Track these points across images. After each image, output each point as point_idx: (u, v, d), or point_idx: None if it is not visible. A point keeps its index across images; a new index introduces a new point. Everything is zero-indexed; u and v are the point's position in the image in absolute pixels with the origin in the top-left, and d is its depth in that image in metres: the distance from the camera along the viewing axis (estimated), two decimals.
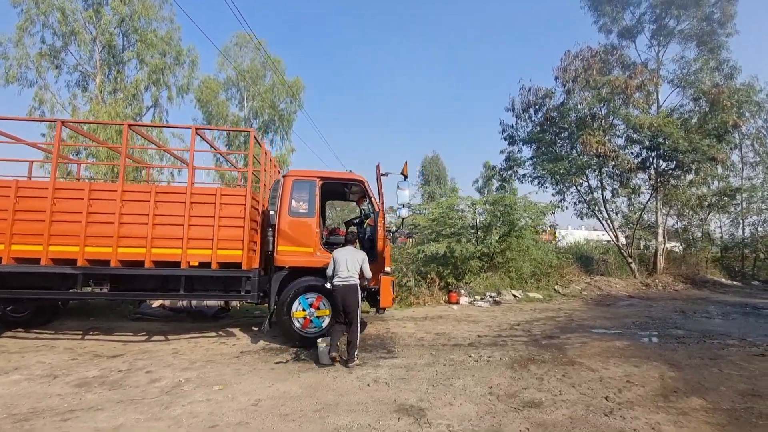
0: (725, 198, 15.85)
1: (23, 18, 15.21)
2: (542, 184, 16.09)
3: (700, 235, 18.09)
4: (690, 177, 14.82)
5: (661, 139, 12.62)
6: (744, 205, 17.63)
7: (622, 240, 15.82)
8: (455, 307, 9.82)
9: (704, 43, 14.22)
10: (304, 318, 5.94)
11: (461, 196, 12.36)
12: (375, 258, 6.05)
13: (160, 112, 18.34)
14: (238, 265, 5.86)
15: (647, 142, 13.40)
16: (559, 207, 15.49)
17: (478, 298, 10.68)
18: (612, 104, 13.44)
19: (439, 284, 11.67)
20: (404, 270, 12.13)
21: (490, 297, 10.71)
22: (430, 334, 6.97)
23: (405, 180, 6.10)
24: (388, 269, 6.38)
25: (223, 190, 6.11)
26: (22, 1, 15.11)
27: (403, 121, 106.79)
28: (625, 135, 13.95)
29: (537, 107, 16.24)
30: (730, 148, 14.75)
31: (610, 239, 16.51)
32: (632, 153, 14.36)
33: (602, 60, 14.73)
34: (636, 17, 15.68)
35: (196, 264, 5.84)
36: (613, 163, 13.52)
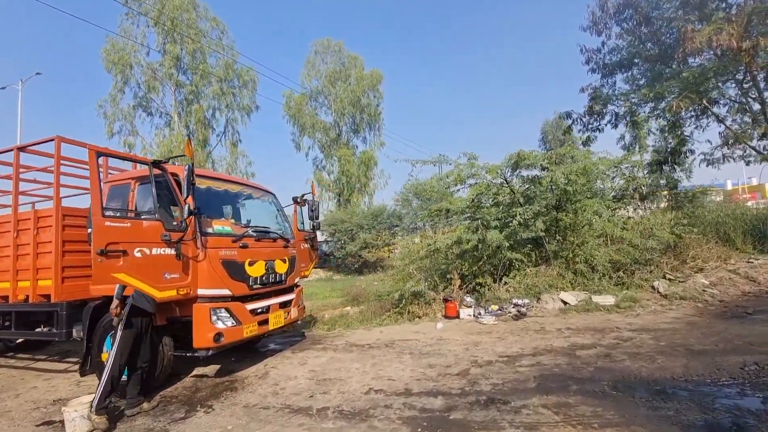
0: None
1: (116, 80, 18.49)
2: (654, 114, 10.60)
3: None
4: None
5: None
6: None
7: None
8: (440, 325, 6.85)
9: None
10: None
11: (477, 164, 8.84)
12: None
13: (233, 133, 19.92)
14: (49, 297, 4.92)
15: None
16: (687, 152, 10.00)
17: (494, 308, 7.32)
18: None
19: (464, 286, 8.72)
20: (412, 272, 9.56)
21: (514, 306, 7.20)
22: (312, 382, 4.66)
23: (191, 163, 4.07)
24: (208, 291, 4.44)
25: (22, 214, 5.24)
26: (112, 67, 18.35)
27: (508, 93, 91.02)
28: None
29: (633, 9, 10.77)
30: None
31: None
32: None
33: None
34: None
35: (23, 298, 5.14)
36: (762, 56, 7.58)
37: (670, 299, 7.10)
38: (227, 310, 4.54)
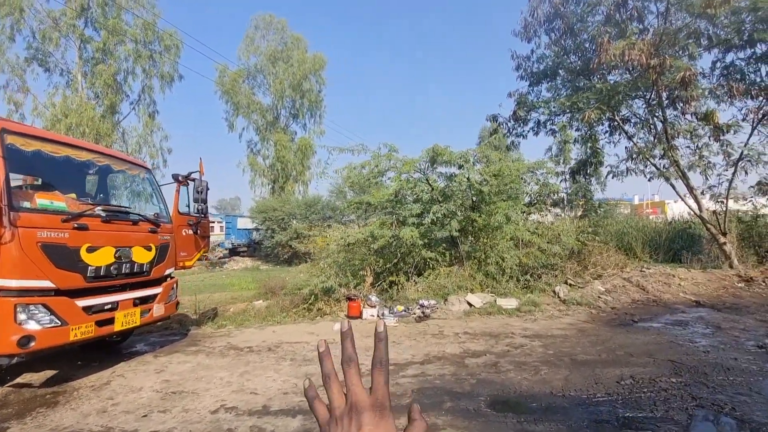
0: None
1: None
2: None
3: None
4: None
5: (761, 25, 6.92)
6: None
7: (708, 208, 9.97)
8: (338, 326, 6.36)
9: None
10: None
11: (396, 156, 8.47)
12: None
13: (149, 103, 17.77)
14: None
15: (735, 38, 7.65)
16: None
17: (399, 309, 6.98)
18: None
19: (378, 284, 8.30)
20: (324, 266, 8.99)
21: (420, 307, 6.91)
22: (157, 396, 3.88)
23: None
24: (15, 282, 3.49)
25: None
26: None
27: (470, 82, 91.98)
28: (688, 33, 8.14)
29: (561, 19, 10.98)
30: None
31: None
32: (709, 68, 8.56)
33: None
34: None
35: None
36: (667, 75, 7.98)
37: (568, 304, 7.25)
38: (45, 306, 3.60)
